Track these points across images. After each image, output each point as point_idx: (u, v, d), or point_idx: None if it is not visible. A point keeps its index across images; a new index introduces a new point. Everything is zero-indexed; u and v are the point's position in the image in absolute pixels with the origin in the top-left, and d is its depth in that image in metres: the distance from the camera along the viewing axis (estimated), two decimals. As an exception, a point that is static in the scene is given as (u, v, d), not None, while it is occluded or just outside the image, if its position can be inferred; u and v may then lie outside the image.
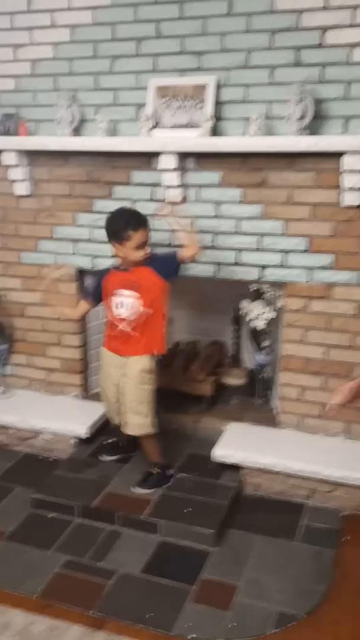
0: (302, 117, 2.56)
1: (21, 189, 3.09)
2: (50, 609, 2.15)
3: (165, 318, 2.66)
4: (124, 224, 2.55)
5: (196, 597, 2.21)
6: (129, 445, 2.93)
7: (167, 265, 2.60)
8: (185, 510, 2.57)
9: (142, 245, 2.55)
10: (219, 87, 2.72)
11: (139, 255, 2.56)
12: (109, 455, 2.94)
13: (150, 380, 2.64)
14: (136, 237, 2.52)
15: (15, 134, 3.00)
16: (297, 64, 2.61)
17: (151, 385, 2.65)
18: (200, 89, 2.73)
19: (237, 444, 2.85)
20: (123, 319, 2.61)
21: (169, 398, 3.12)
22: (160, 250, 2.78)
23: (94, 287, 2.76)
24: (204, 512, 2.56)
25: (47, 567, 2.35)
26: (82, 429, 2.99)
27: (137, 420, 2.66)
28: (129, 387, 2.63)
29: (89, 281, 2.80)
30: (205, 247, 2.83)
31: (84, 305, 2.81)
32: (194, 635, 2.04)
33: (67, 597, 2.20)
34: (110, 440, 3.02)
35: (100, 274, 2.74)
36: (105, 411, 2.88)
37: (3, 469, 3.03)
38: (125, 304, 2.59)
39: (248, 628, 2.07)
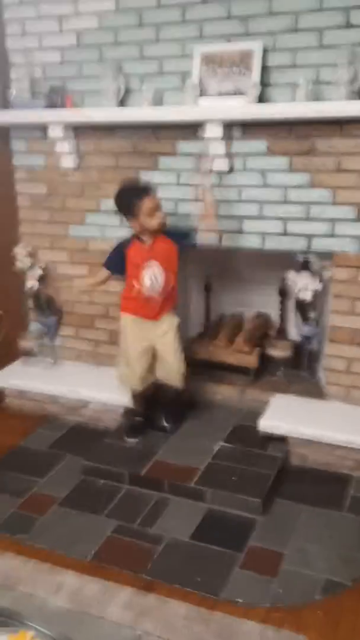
0: (352, 81, 2.49)
1: (68, 161, 3.12)
2: (101, 571, 2.22)
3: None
4: (128, 197, 2.64)
5: (243, 563, 2.25)
6: (146, 418, 3.01)
7: (181, 233, 2.75)
8: (232, 479, 2.60)
9: (152, 211, 2.61)
10: (265, 52, 2.66)
11: (154, 222, 2.62)
12: (133, 437, 2.94)
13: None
14: (144, 205, 2.59)
15: (62, 106, 3.00)
16: (347, 25, 2.52)
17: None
18: (247, 55, 2.68)
19: (283, 416, 2.85)
20: (152, 291, 2.72)
21: (215, 370, 3.14)
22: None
23: (116, 257, 2.78)
24: (250, 482, 2.59)
25: (98, 531, 2.42)
26: (129, 400, 3.04)
27: (182, 370, 2.84)
28: (170, 344, 2.79)
29: (110, 251, 2.84)
30: (252, 217, 2.82)
31: (104, 273, 2.85)
32: (241, 600, 2.08)
33: (118, 560, 2.27)
34: (134, 421, 3.03)
35: (122, 245, 2.77)
36: (126, 381, 2.92)
37: (54, 438, 3.11)
38: (157, 275, 2.69)
39: (295, 594, 2.10)
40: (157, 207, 2.63)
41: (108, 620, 1.99)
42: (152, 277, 2.70)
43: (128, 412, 3.04)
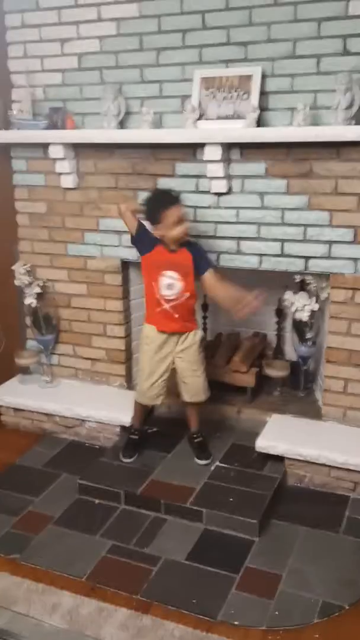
0: (349, 107, 2.53)
1: (67, 181, 3.15)
2: (97, 592, 2.21)
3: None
4: (156, 204, 2.64)
5: (240, 585, 2.23)
6: (142, 438, 2.99)
7: (201, 261, 2.71)
8: (229, 500, 2.59)
9: (177, 221, 2.61)
10: (264, 77, 2.71)
11: (175, 232, 2.62)
12: (129, 457, 2.91)
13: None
14: (169, 214, 2.59)
15: (62, 127, 3.04)
16: (345, 52, 2.58)
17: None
18: (246, 79, 2.73)
19: (280, 435, 2.85)
20: (169, 300, 2.69)
21: (212, 389, 3.14)
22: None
23: (146, 232, 2.73)
24: (247, 502, 2.58)
25: (94, 551, 2.41)
26: (126, 418, 3.04)
27: (205, 384, 2.83)
28: (192, 360, 2.78)
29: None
30: (250, 238, 2.86)
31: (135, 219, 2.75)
32: (237, 622, 2.07)
33: (114, 581, 2.25)
34: (132, 437, 2.99)
35: (150, 238, 2.71)
36: (141, 395, 2.87)
37: (50, 456, 3.10)
38: (174, 285, 2.68)
39: (292, 617, 2.09)
40: (182, 218, 2.64)
41: (104, 641, 1.97)
42: (169, 285, 2.68)
43: (126, 430, 3.02)
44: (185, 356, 2.77)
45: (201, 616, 2.10)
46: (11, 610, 2.11)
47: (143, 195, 2.99)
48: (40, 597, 2.18)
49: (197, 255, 2.70)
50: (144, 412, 2.97)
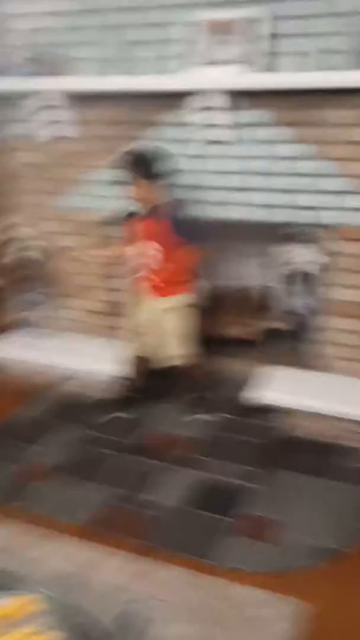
0: (362, 50, 2.46)
1: (66, 130, 3.06)
2: (97, 536, 2.20)
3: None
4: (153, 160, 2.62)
5: (237, 530, 2.23)
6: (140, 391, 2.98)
7: (185, 231, 2.65)
8: (228, 449, 2.59)
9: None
10: (273, 20, 2.61)
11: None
12: (126, 411, 2.92)
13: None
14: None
15: (61, 74, 2.95)
16: (358, -8, 2.49)
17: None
18: (253, 22, 2.64)
19: (285, 388, 2.85)
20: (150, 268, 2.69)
21: (216, 343, 3.12)
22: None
23: None
24: (247, 451, 2.59)
25: (92, 498, 2.40)
26: (128, 370, 3.01)
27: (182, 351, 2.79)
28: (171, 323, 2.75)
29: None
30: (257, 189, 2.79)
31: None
32: (238, 566, 2.07)
33: (114, 526, 2.25)
34: (128, 394, 3.00)
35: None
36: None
37: (46, 407, 3.09)
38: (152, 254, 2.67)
39: (290, 560, 2.09)
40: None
41: (102, 583, 1.97)
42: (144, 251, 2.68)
43: (123, 384, 3.00)
44: (168, 317, 2.77)
45: (199, 559, 2.09)
46: (13, 554, 2.11)
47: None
48: (41, 542, 2.17)
49: (178, 226, 2.68)
50: (140, 366, 2.93)
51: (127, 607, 1.86)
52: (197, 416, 2.84)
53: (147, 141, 2.89)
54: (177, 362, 2.79)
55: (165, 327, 2.74)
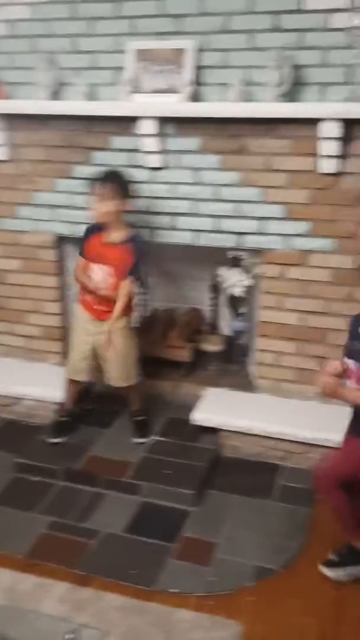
0: (280, 84, 2.56)
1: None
2: (36, 567, 2.22)
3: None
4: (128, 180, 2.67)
5: (177, 554, 2.30)
6: (74, 417, 2.97)
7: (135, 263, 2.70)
8: (165, 472, 2.64)
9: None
10: (198, 51, 2.70)
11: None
12: (57, 437, 2.88)
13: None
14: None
15: (-7, 97, 2.94)
16: (276, 29, 2.60)
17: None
18: (180, 53, 2.71)
19: (215, 408, 2.92)
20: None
21: (148, 364, 3.16)
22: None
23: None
24: (183, 474, 2.64)
25: (32, 528, 2.41)
26: (62, 395, 3.02)
27: (126, 373, 2.83)
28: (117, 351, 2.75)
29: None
30: (184, 214, 2.87)
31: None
32: (176, 590, 2.13)
33: (53, 556, 2.27)
34: (60, 419, 2.97)
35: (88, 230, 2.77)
36: (67, 370, 2.91)
37: (-17, 434, 3.06)
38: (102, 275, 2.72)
39: (227, 581, 2.17)
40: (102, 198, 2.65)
41: (44, 614, 1.99)
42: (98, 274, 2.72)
43: (60, 409, 3.00)
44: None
45: (139, 586, 2.15)
46: None
47: (78, 170, 2.96)
48: (-22, 576, 2.17)
49: (137, 253, 2.71)
50: (74, 391, 2.95)
51: (67, 638, 1.88)
52: (138, 440, 2.87)
53: (83, 164, 2.93)
54: (119, 384, 2.82)
55: (109, 349, 2.73)
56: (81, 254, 2.78)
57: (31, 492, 2.63)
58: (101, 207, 2.63)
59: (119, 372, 2.79)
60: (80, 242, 2.81)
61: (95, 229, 2.74)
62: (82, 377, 2.87)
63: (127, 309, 2.77)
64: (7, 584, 2.14)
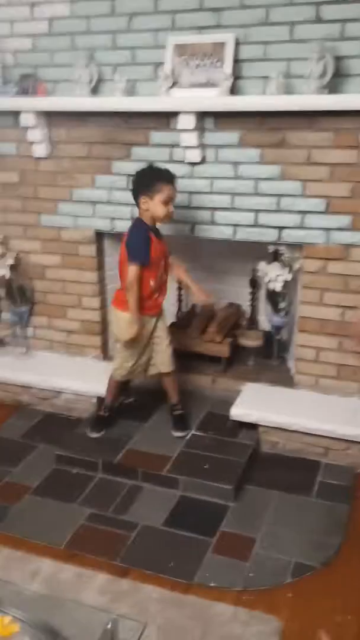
0: (322, 75, 2.53)
1: (40, 150, 3.09)
2: (76, 558, 2.25)
3: None
4: (154, 176, 2.61)
5: (215, 548, 2.30)
6: (112, 415, 2.98)
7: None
8: (204, 467, 2.64)
9: (168, 200, 2.59)
10: (238, 44, 2.68)
11: (163, 211, 2.59)
12: (97, 432, 2.91)
13: None
14: (165, 190, 2.57)
15: (34, 94, 2.99)
16: (317, 20, 2.56)
17: None
18: (219, 46, 2.70)
19: (254, 404, 2.91)
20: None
21: (187, 359, 3.17)
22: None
23: (147, 248, 2.64)
24: (222, 469, 2.64)
25: (72, 519, 2.44)
26: (102, 389, 3.05)
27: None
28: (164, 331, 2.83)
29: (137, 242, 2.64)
30: (223, 209, 2.86)
31: (136, 271, 2.62)
32: (214, 584, 2.13)
33: (92, 547, 2.30)
34: (101, 414, 2.98)
35: (146, 232, 2.64)
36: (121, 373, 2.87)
37: (27, 427, 3.12)
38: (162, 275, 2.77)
39: (266, 577, 2.16)
40: (173, 199, 2.62)
41: (84, 604, 2.01)
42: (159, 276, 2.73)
43: (102, 403, 3.01)
44: (160, 328, 2.82)
45: (178, 579, 2.15)
46: (-9, 577, 2.14)
47: (117, 165, 2.98)
48: (20, 565, 2.21)
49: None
50: (119, 388, 2.97)
51: (107, 629, 1.90)
52: (177, 433, 2.87)
53: (122, 160, 2.96)
54: (169, 368, 2.84)
55: (154, 341, 2.79)
56: (144, 263, 2.61)
57: (71, 483, 2.66)
58: (170, 208, 2.62)
59: (168, 356, 2.82)
60: (139, 249, 2.61)
61: (149, 231, 2.65)
62: (136, 376, 2.90)
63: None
64: (48, 573, 2.18)
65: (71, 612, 1.97)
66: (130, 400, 3.12)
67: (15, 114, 3.03)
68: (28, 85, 3.00)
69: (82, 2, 2.88)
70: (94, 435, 2.90)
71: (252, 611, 2.02)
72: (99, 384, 3.05)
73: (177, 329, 3.34)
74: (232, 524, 2.42)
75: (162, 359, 2.84)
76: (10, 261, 3.29)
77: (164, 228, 2.78)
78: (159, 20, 2.78)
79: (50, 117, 3.03)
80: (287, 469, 2.75)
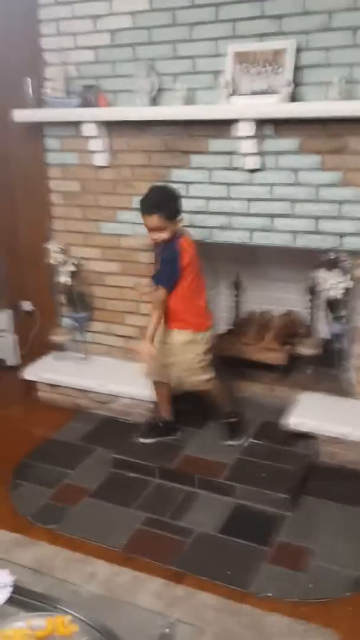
0: (386, 80, 2.49)
1: (100, 159, 3.16)
2: (132, 561, 2.27)
3: None
4: (179, 198, 2.63)
5: (271, 558, 2.27)
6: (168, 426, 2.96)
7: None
8: (260, 475, 2.62)
9: (148, 229, 2.64)
10: (298, 51, 2.67)
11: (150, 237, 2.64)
12: (149, 438, 2.92)
13: None
14: (145, 219, 2.64)
15: (95, 105, 3.05)
16: (381, 24, 2.53)
17: None
18: (280, 53, 2.69)
19: (311, 413, 2.86)
20: None
21: (243, 367, 3.16)
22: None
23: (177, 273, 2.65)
24: (278, 478, 2.61)
25: (129, 523, 2.47)
26: (158, 405, 3.06)
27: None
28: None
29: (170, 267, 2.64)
30: (282, 216, 2.85)
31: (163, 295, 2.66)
32: (270, 594, 2.11)
33: (148, 551, 2.31)
34: (155, 423, 2.98)
35: (177, 256, 2.62)
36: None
37: (84, 431, 3.17)
38: None
39: (323, 589, 2.12)
40: (151, 228, 2.64)
41: (140, 607, 2.03)
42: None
43: (157, 409, 3.01)
44: None
45: (234, 587, 2.14)
46: (50, 577, 2.18)
47: (175, 173, 3.01)
48: (78, 566, 2.25)
49: None
50: (168, 397, 2.93)
51: (164, 632, 1.91)
52: (229, 442, 2.86)
53: (181, 168, 3.00)
54: (203, 387, 2.81)
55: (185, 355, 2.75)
56: (172, 288, 2.63)
57: (128, 488, 2.69)
58: (153, 235, 2.64)
59: (200, 376, 2.78)
60: (173, 273, 2.62)
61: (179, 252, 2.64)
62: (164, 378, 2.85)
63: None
64: (105, 575, 2.20)
65: (128, 614, 1.99)
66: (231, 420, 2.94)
67: (77, 124, 3.11)
68: (90, 96, 3.07)
69: (143, 13, 2.93)
70: (143, 441, 2.90)
71: (309, 623, 1.98)
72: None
73: (233, 335, 3.33)
74: (288, 534, 2.39)
75: (193, 377, 2.78)
76: (71, 268, 3.37)
77: (220, 235, 2.78)
78: (219, 29, 2.80)
79: (111, 127, 3.09)
80: (346, 480, 2.69)
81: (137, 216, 3.16)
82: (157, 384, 2.92)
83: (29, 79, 3.14)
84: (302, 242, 2.87)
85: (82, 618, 1.67)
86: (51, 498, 2.65)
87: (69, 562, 2.28)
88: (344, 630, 1.95)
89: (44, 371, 3.45)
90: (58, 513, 2.55)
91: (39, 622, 1.59)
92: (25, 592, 1.77)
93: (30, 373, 3.46)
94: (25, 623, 1.57)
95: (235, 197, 2.91)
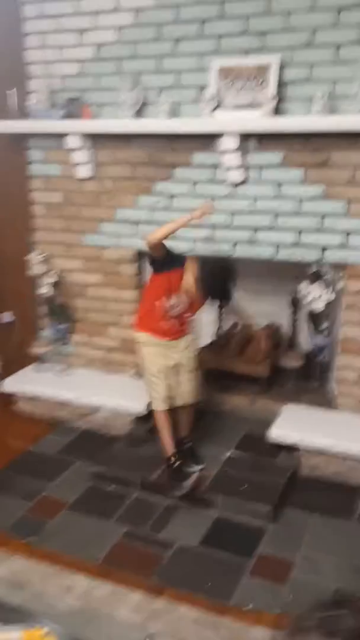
0: (367, 96, 2.53)
1: (84, 171, 3.16)
2: (111, 575, 2.22)
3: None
4: None
5: (252, 570, 2.24)
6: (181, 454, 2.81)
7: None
8: (241, 488, 2.60)
9: None
10: (282, 67, 2.71)
11: None
12: (184, 487, 2.65)
13: None
14: None
15: (79, 117, 3.06)
16: (363, 41, 2.58)
17: None
18: (264, 69, 2.73)
19: (294, 425, 2.86)
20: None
21: (225, 379, 3.15)
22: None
23: None
24: (260, 490, 2.59)
25: (108, 536, 2.43)
26: (139, 407, 3.05)
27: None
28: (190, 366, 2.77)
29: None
30: (265, 229, 2.87)
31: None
32: (251, 606, 2.08)
33: (127, 564, 2.27)
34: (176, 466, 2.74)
35: None
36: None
37: (64, 443, 3.13)
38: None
39: (305, 602, 2.09)
40: None
41: (118, 621, 1.99)
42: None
43: (167, 461, 2.74)
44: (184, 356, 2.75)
45: (214, 600, 2.11)
46: (27, 590, 2.14)
47: (159, 186, 3.02)
48: (55, 579, 2.20)
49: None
50: (169, 429, 2.76)
51: (144, 646, 1.87)
52: (191, 470, 2.72)
53: (164, 181, 3.00)
54: (193, 399, 2.79)
55: (182, 366, 2.73)
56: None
57: (107, 500, 2.65)
58: None
59: (192, 387, 2.75)
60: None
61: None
62: (173, 403, 2.76)
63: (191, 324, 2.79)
64: (83, 589, 2.16)
65: (105, 628, 1.96)
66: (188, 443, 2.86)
67: (61, 136, 3.11)
68: (74, 108, 3.07)
69: (129, 28, 2.95)
70: (183, 492, 2.63)
71: (292, 637, 1.95)
72: (137, 402, 3.05)
73: (216, 348, 3.33)
74: (269, 546, 2.37)
75: (185, 389, 2.75)
76: (53, 279, 3.35)
77: (205, 249, 2.79)
78: (204, 45, 2.83)
79: (96, 139, 3.10)
80: (327, 492, 2.68)
81: (119, 228, 3.19)
82: (162, 418, 2.74)
83: (14, 90, 3.14)
84: (285, 255, 2.89)
85: (59, 631, 1.63)
86: (29, 511, 2.60)
87: (46, 575, 2.23)
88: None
89: (23, 383, 3.41)
90: (35, 526, 2.50)
91: (15, 635, 1.56)
92: (0, 605, 1.73)
93: (10, 385, 3.41)
94: (1, 636, 1.53)
95: (218, 210, 2.93)
